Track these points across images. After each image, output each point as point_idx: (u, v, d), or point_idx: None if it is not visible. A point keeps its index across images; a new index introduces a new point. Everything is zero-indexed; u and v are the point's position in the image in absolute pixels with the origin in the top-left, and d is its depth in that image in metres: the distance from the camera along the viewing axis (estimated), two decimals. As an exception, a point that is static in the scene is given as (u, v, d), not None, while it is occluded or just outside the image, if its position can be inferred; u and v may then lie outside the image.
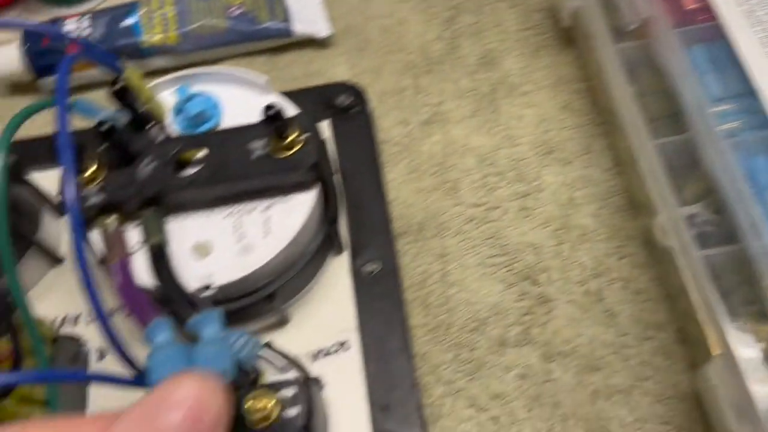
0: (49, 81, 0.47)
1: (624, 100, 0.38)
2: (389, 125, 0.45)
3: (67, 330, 0.38)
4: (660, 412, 0.35)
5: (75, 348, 0.36)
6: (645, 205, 0.39)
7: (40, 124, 0.48)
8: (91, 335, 0.38)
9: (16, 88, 0.49)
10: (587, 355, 0.37)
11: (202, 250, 0.33)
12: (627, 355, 0.37)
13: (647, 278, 0.39)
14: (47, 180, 0.41)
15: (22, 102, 0.49)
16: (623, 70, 0.39)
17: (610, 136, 0.43)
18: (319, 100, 0.43)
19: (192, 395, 0.19)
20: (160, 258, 0.31)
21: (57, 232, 0.41)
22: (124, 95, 0.31)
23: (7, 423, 0.19)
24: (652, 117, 0.37)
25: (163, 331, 0.23)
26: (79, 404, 0.35)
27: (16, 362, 0.28)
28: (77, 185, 0.26)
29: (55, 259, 0.40)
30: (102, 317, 0.25)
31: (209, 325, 0.24)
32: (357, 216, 0.40)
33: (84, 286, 0.25)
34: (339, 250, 0.38)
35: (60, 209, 0.42)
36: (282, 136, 0.31)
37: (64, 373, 0.22)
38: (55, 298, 0.39)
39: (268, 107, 0.30)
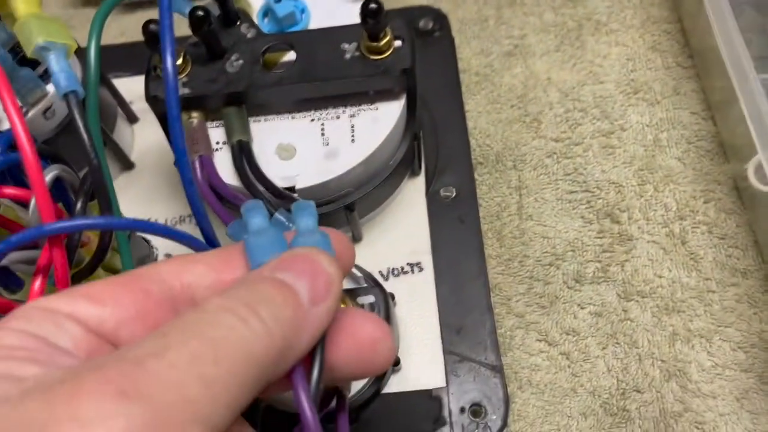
0: (124, -9, 0.47)
1: (727, 36, 0.36)
2: (469, 55, 0.43)
3: (135, 233, 0.38)
4: (741, 359, 0.34)
5: (146, 250, 0.36)
6: (737, 149, 0.37)
7: (115, 34, 0.48)
8: (159, 241, 0.38)
9: (89, -1, 0.49)
10: (667, 296, 0.36)
11: (285, 152, 0.32)
12: (709, 300, 0.35)
13: (734, 224, 0.37)
14: (120, 86, 0.41)
15: (93, 12, 0.49)
16: (727, 2, 0.37)
17: (701, 79, 0.41)
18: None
19: (305, 260, 0.18)
20: (244, 156, 0.31)
21: (129, 137, 0.40)
22: (219, -16, 0.30)
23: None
24: (754, 56, 0.36)
25: (258, 215, 0.22)
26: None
27: (102, 250, 0.28)
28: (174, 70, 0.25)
29: (126, 164, 0.39)
30: (198, 208, 0.25)
31: (306, 216, 0.23)
32: (436, 140, 0.39)
33: (182, 175, 0.24)
34: (416, 172, 0.37)
35: (132, 116, 0.41)
36: (376, 37, 0.30)
37: (155, 226, 0.21)
38: (126, 202, 0.39)
39: (368, 2, 0.28)
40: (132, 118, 0.41)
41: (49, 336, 0.16)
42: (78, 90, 0.24)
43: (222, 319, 0.15)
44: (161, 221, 0.38)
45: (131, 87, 0.42)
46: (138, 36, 0.47)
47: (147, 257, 0.36)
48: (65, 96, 0.24)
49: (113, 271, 0.31)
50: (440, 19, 0.42)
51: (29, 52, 0.24)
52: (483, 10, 0.45)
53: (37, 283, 0.22)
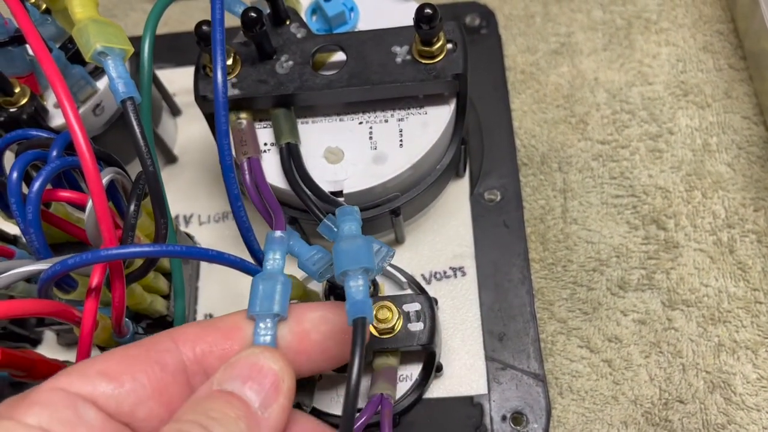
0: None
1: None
2: (514, 52, 0.43)
3: (179, 228, 0.38)
4: (788, 373, 0.34)
5: (190, 245, 0.36)
6: (790, 157, 0.37)
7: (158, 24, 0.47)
8: (202, 236, 0.38)
9: (132, -14, 0.49)
10: (713, 306, 0.35)
11: (333, 155, 0.31)
12: (756, 311, 0.35)
13: (785, 234, 0.36)
14: (163, 78, 0.41)
15: (136, 1, 0.48)
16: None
17: (754, 82, 0.40)
18: (446, 18, 0.41)
19: (247, 364, 0.19)
20: (292, 158, 0.30)
21: (173, 130, 0.40)
22: (271, -17, 0.30)
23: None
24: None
25: (277, 251, 0.23)
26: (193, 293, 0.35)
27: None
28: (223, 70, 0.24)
29: (169, 158, 0.40)
30: (239, 208, 0.25)
31: (349, 221, 0.23)
32: (481, 141, 0.38)
33: (226, 176, 0.24)
34: (461, 174, 0.37)
35: (175, 108, 0.41)
36: (429, 42, 0.30)
37: (206, 252, 0.22)
38: (169, 197, 0.39)
39: (423, 7, 0.28)
40: (175, 111, 0.41)
41: (68, 427, 0.16)
42: (136, 96, 0.24)
43: None
44: (204, 217, 0.38)
45: (174, 78, 0.42)
46: (181, 26, 0.47)
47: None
48: (123, 102, 0.24)
49: (157, 292, 0.31)
50: (487, 15, 0.41)
51: (87, 56, 0.24)
52: (530, 7, 0.44)
53: (90, 305, 0.22)
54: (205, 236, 0.38)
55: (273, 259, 0.23)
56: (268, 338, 0.20)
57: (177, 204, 0.39)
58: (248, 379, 0.18)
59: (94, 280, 0.24)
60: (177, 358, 0.18)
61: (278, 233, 0.24)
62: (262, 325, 0.20)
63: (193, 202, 0.39)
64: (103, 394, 0.17)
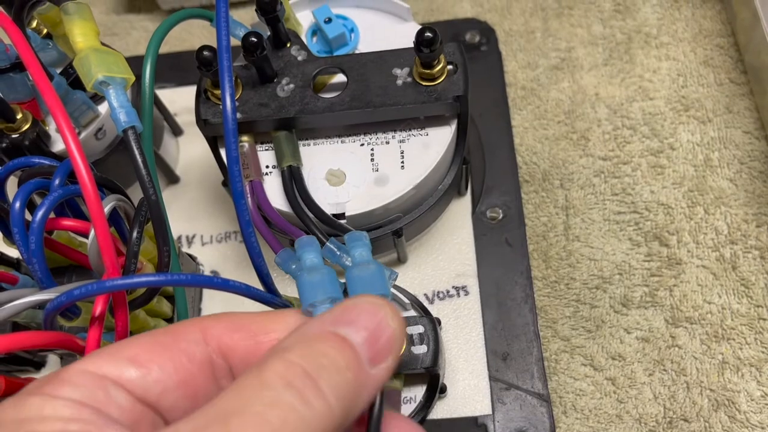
0: (167, -1, 0.47)
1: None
2: (515, 68, 0.43)
3: (182, 250, 0.38)
4: (792, 390, 0.33)
5: (192, 267, 0.36)
6: (792, 172, 0.36)
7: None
8: (204, 257, 0.38)
9: (133, 6, 0.49)
10: (716, 323, 0.35)
11: (335, 177, 0.32)
12: (760, 328, 0.35)
13: (787, 250, 0.36)
14: (164, 98, 0.41)
15: (136, 20, 0.49)
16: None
17: (755, 97, 0.40)
18: (446, 36, 0.41)
19: (368, 314, 0.18)
20: (294, 181, 0.31)
21: (175, 150, 0.41)
22: (272, 6, 0.30)
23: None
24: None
25: (312, 251, 0.22)
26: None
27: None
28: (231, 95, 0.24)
29: (171, 178, 0.40)
30: (249, 234, 0.25)
31: (359, 247, 0.23)
32: (482, 159, 0.38)
33: (236, 201, 0.24)
34: (462, 192, 0.37)
35: (177, 128, 0.41)
36: (430, 64, 0.30)
37: (211, 280, 0.21)
38: (171, 217, 0.39)
39: (423, 31, 0.28)
40: (177, 131, 0.41)
41: (100, 405, 0.16)
42: (137, 125, 0.24)
43: (283, 399, 0.15)
44: (206, 237, 0.38)
45: (175, 98, 0.42)
46: (182, 44, 0.47)
47: (194, 273, 0.36)
48: (124, 131, 0.24)
49: (159, 315, 0.31)
50: (487, 32, 0.41)
51: (89, 86, 0.24)
52: (530, 22, 0.44)
53: (94, 334, 0.22)
54: (208, 257, 0.38)
55: (310, 259, 0.23)
56: None
57: (179, 224, 0.39)
58: (364, 330, 0.17)
59: (98, 309, 0.24)
60: (204, 350, 0.18)
61: (305, 236, 0.24)
62: (320, 312, 0.19)
63: (196, 222, 0.39)
64: (130, 379, 0.16)
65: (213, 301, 0.36)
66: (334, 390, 0.16)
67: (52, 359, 0.35)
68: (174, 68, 0.43)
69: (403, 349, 0.19)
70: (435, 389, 0.31)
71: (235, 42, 0.31)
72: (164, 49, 0.47)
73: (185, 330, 0.18)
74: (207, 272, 0.37)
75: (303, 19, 0.35)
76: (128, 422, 0.16)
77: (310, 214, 0.30)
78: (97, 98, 0.33)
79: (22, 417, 0.15)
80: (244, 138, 0.32)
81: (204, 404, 0.17)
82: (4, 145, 0.30)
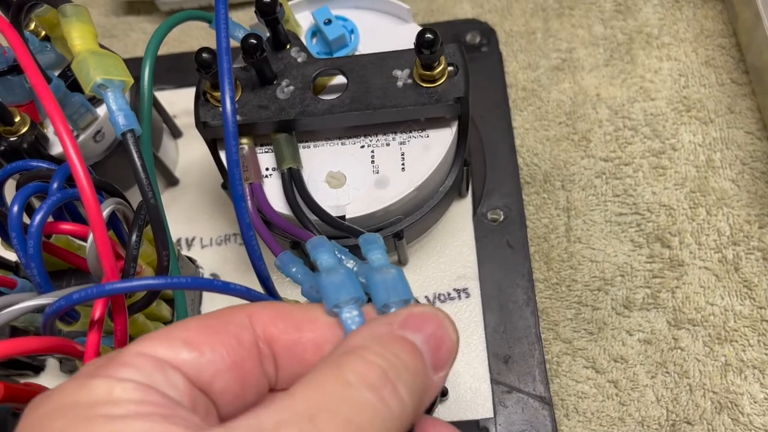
0: (167, 1, 0.46)
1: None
2: (516, 69, 0.43)
3: (181, 253, 0.38)
4: (796, 392, 0.33)
5: (192, 270, 0.36)
6: (795, 173, 0.36)
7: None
8: (204, 260, 0.38)
9: (132, 7, 0.49)
10: (719, 325, 0.35)
11: (335, 179, 0.31)
12: (763, 329, 0.35)
13: (790, 251, 0.36)
14: (163, 100, 0.40)
15: (135, 21, 0.48)
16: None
17: (757, 97, 0.40)
18: (446, 36, 0.41)
19: (434, 324, 0.18)
20: (294, 183, 0.30)
21: (174, 153, 0.40)
22: (271, 8, 0.29)
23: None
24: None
25: (326, 252, 0.22)
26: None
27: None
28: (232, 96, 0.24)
29: (171, 180, 0.39)
30: (251, 239, 0.24)
31: (375, 249, 0.22)
32: (483, 160, 0.38)
33: (236, 203, 0.24)
34: (463, 194, 0.37)
35: (176, 130, 0.41)
36: (430, 66, 0.29)
37: (212, 283, 0.21)
38: (170, 220, 0.39)
39: (424, 33, 0.28)
40: (176, 133, 0.41)
41: (163, 388, 0.16)
42: (136, 128, 0.24)
43: (365, 399, 0.15)
44: (206, 240, 0.38)
45: (174, 100, 0.42)
46: (181, 46, 0.47)
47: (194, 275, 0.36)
48: (123, 134, 0.24)
49: (158, 319, 0.31)
50: (488, 33, 0.41)
51: (87, 89, 0.24)
52: (530, 23, 0.44)
53: (93, 338, 0.22)
54: (208, 259, 0.38)
55: (326, 259, 0.22)
56: (357, 322, 0.19)
57: (179, 227, 0.38)
58: (431, 338, 0.18)
59: (96, 314, 0.24)
60: (252, 335, 0.18)
61: (315, 237, 0.24)
62: (347, 313, 0.19)
63: (195, 224, 0.39)
64: (185, 361, 0.16)
65: (213, 304, 0.36)
66: (409, 393, 0.16)
67: (52, 363, 0.35)
68: (173, 70, 0.43)
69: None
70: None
71: (234, 43, 0.31)
72: (163, 50, 0.46)
73: (233, 314, 0.18)
74: (207, 275, 0.37)
75: (303, 21, 0.35)
76: (187, 405, 0.16)
77: (311, 217, 0.30)
78: (96, 101, 0.33)
79: (92, 400, 0.15)
80: (244, 140, 0.32)
81: (253, 388, 0.17)
82: (2, 148, 0.30)
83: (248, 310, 0.19)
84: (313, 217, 0.29)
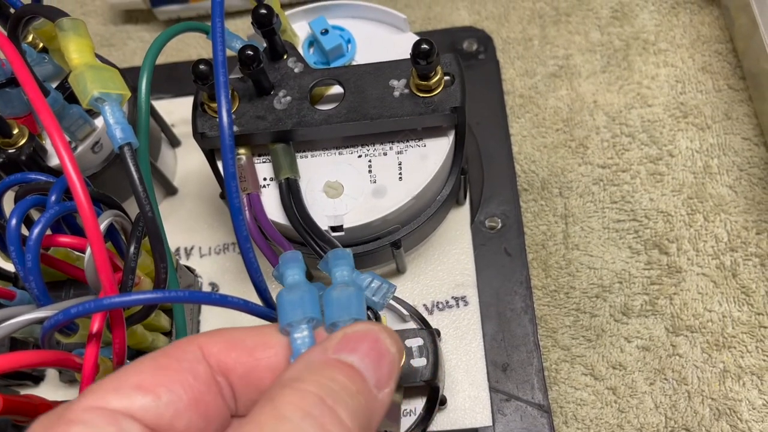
0: (165, 10, 0.46)
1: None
2: (513, 76, 0.43)
3: (180, 262, 0.38)
4: (794, 398, 0.33)
5: (191, 279, 0.36)
6: (792, 179, 0.36)
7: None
8: (203, 269, 0.38)
9: (130, 17, 0.49)
10: (717, 332, 0.35)
11: (333, 189, 0.31)
12: (761, 336, 0.35)
13: (788, 257, 0.36)
14: (161, 109, 0.41)
15: (133, 30, 0.49)
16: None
17: (754, 103, 0.40)
18: (443, 44, 0.41)
19: (369, 340, 0.18)
20: (291, 193, 0.30)
21: (172, 162, 0.40)
22: (268, 19, 0.30)
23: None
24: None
25: (295, 267, 0.22)
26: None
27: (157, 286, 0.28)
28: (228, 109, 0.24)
29: (169, 190, 0.40)
30: (248, 249, 0.24)
31: (342, 266, 0.22)
32: (480, 168, 0.38)
33: (234, 216, 0.24)
34: (461, 202, 0.37)
35: (174, 140, 0.41)
36: (427, 75, 0.30)
37: (209, 296, 0.21)
38: (168, 229, 0.39)
39: (420, 43, 0.28)
40: (174, 142, 0.41)
41: None
42: (133, 142, 0.24)
43: (303, 430, 0.15)
44: (204, 249, 0.38)
45: (172, 109, 0.42)
46: (178, 55, 0.47)
47: (191, 286, 0.36)
48: (120, 148, 0.24)
49: (157, 329, 0.31)
50: (485, 40, 0.41)
51: (84, 103, 0.24)
52: (527, 30, 0.44)
53: (91, 351, 0.22)
54: (207, 269, 0.38)
55: (292, 275, 0.22)
56: (306, 344, 0.19)
57: (177, 236, 0.38)
58: (367, 357, 0.17)
59: (95, 327, 0.24)
60: (206, 367, 0.18)
61: (290, 252, 0.24)
62: (297, 334, 0.19)
63: (194, 234, 0.39)
64: (141, 408, 0.16)
65: (212, 314, 0.36)
66: (351, 415, 0.16)
67: (51, 373, 0.35)
68: (171, 79, 0.43)
69: (402, 363, 0.19)
70: (435, 401, 0.31)
71: (231, 53, 0.31)
72: (161, 59, 0.47)
73: (185, 349, 0.18)
74: (206, 284, 0.37)
75: (299, 31, 0.35)
76: None
77: (307, 229, 0.30)
78: (94, 112, 0.33)
79: None
80: (242, 151, 0.32)
81: (217, 420, 0.17)
82: (0, 160, 0.30)
83: (199, 341, 0.18)
84: (307, 229, 0.29)
